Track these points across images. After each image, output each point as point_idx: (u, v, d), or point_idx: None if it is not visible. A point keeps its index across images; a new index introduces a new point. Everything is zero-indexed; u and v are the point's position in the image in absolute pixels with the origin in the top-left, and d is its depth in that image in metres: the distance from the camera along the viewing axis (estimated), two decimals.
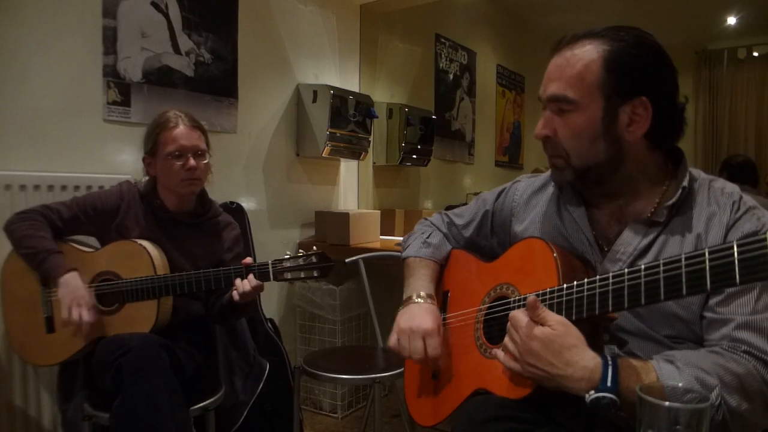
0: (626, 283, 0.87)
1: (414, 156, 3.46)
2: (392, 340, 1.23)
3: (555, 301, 0.96)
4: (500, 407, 0.98)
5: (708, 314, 0.94)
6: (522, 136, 5.49)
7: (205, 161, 1.71)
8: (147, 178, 1.75)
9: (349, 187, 3.24)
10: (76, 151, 1.98)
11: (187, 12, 2.31)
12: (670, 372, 0.86)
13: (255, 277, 1.56)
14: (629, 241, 1.02)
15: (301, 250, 1.60)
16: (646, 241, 1.01)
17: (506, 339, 0.98)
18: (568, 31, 1.06)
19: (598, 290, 0.91)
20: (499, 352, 1.00)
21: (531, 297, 0.95)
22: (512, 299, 1.08)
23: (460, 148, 4.38)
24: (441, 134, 4.00)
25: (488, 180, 4.73)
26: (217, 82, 2.44)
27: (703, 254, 0.77)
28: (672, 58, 1.01)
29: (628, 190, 1.05)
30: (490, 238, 1.32)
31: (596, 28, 1.01)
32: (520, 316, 0.96)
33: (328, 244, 2.71)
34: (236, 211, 2.32)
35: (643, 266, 0.84)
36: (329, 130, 2.72)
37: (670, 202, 1.00)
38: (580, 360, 0.88)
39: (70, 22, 1.94)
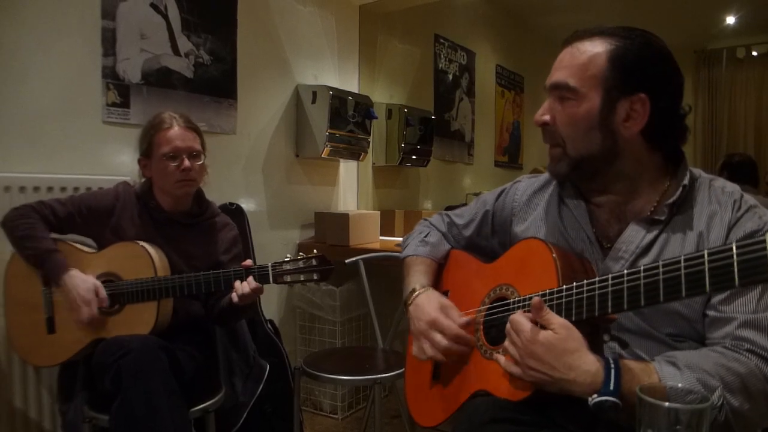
0: (625, 285, 0.87)
1: (413, 156, 3.46)
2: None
3: (554, 302, 0.96)
4: (500, 409, 0.99)
5: (710, 312, 0.94)
6: (521, 136, 5.49)
7: (200, 162, 1.71)
8: (143, 179, 1.75)
9: (349, 188, 3.24)
10: (75, 152, 1.98)
11: (186, 13, 2.31)
12: (672, 374, 0.86)
13: (255, 279, 1.56)
14: (631, 239, 1.02)
15: (301, 253, 1.60)
16: (647, 240, 1.01)
17: (507, 342, 0.98)
18: (568, 32, 1.08)
19: (597, 291, 0.91)
20: (500, 357, 1.01)
21: (536, 298, 0.95)
22: (512, 300, 1.08)
23: (460, 149, 4.38)
24: (440, 134, 4.00)
25: (488, 180, 4.73)
26: (217, 84, 2.44)
27: (702, 256, 0.77)
28: None
29: (624, 187, 1.05)
30: (490, 239, 1.32)
31: (608, 27, 1.03)
32: (521, 319, 0.96)
33: (328, 245, 2.71)
34: (236, 212, 2.32)
35: (642, 267, 0.84)
36: (328, 130, 2.72)
37: (671, 201, 1.00)
38: (582, 364, 0.88)
39: (69, 23, 1.94)
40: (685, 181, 1.01)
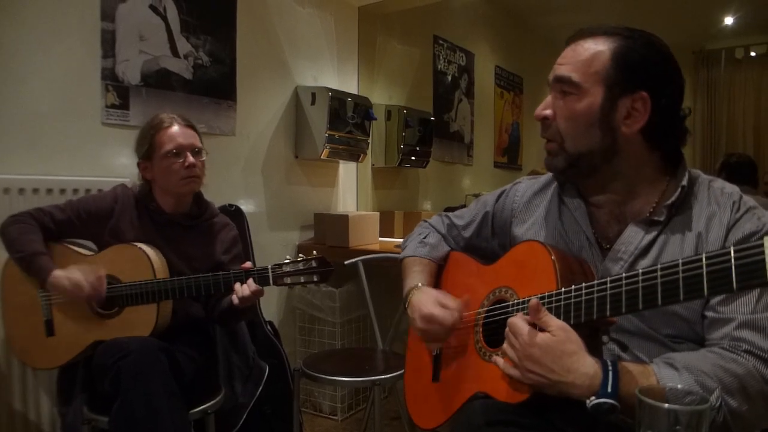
0: (624, 288, 0.87)
1: (413, 157, 3.46)
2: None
3: (553, 305, 0.96)
4: (499, 411, 0.99)
5: (709, 313, 0.95)
6: (521, 137, 5.49)
7: (203, 159, 1.72)
8: (142, 182, 1.75)
9: (348, 189, 3.25)
10: (74, 154, 1.98)
11: (186, 15, 2.31)
12: (671, 376, 0.86)
13: (254, 281, 1.56)
14: (630, 240, 1.03)
15: (300, 255, 1.60)
16: (646, 241, 1.01)
17: (505, 345, 0.98)
18: (567, 32, 1.08)
19: (596, 295, 0.91)
20: (499, 359, 1.01)
21: (534, 300, 0.95)
22: (511, 302, 1.08)
23: (459, 150, 4.38)
24: (439, 136, 4.00)
25: (487, 181, 4.73)
26: (216, 85, 2.44)
27: (700, 260, 0.77)
28: None
29: (622, 187, 1.06)
30: (490, 240, 1.32)
31: (611, 26, 1.04)
32: (519, 322, 0.96)
33: (327, 246, 2.71)
34: (235, 213, 2.32)
35: (640, 271, 0.85)
36: (328, 132, 2.72)
37: (670, 202, 1.01)
38: (580, 367, 0.88)
39: (69, 24, 1.94)
40: (684, 182, 1.01)
